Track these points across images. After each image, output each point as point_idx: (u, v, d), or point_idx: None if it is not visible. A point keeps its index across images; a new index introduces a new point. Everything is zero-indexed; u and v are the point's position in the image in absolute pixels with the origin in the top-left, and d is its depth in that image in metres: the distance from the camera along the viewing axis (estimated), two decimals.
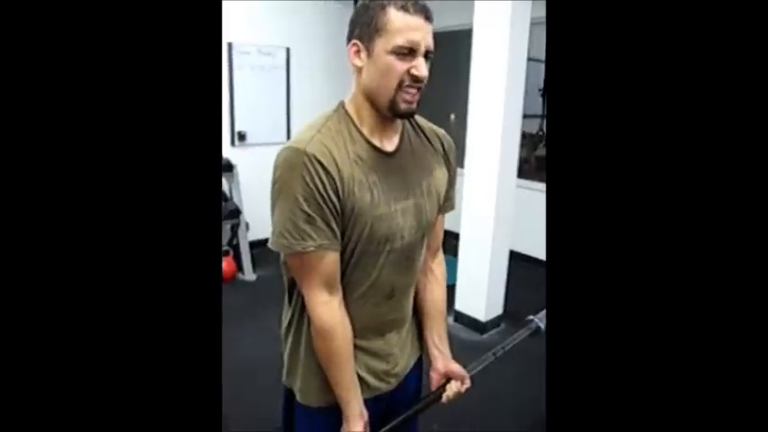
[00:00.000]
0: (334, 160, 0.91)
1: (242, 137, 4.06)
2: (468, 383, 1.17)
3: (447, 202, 1.12)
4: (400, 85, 0.91)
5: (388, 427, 1.03)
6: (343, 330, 0.98)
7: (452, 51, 4.15)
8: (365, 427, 1.01)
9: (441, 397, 1.14)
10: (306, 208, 0.89)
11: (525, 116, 3.02)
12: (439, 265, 1.20)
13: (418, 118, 1.09)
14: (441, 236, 1.19)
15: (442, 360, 1.18)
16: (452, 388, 1.14)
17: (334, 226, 0.93)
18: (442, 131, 1.13)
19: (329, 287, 0.95)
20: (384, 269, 1.00)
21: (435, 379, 1.17)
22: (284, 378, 1.12)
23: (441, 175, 1.08)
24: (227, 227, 3.80)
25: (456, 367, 1.16)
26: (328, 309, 0.96)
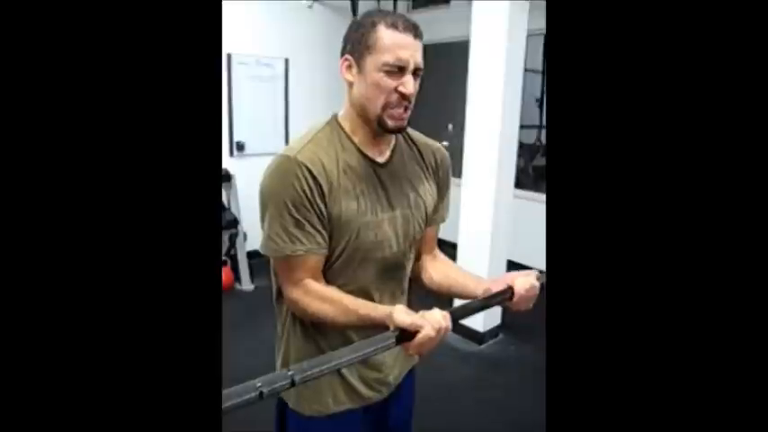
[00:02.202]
0: (324, 167, 0.94)
1: (240, 147, 4.07)
2: (534, 272, 1.04)
3: (436, 215, 1.13)
4: (388, 103, 0.93)
5: (454, 310, 0.89)
6: (331, 287, 0.98)
7: (450, 62, 4.18)
8: (406, 314, 0.85)
9: (511, 297, 1.00)
10: (295, 213, 0.92)
11: (522, 126, 3.04)
12: (436, 254, 1.20)
13: (413, 132, 1.11)
14: (434, 242, 1.20)
15: (497, 281, 1.05)
16: (521, 280, 1.02)
17: (323, 231, 0.95)
18: (437, 146, 1.14)
19: (313, 279, 0.97)
20: (370, 276, 1.02)
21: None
22: None
23: (429, 188, 1.09)
24: (225, 237, 3.80)
25: (511, 273, 1.06)
26: (314, 282, 0.96)
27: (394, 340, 0.81)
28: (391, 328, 0.84)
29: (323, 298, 0.94)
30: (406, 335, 0.82)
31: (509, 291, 1.01)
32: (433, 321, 0.83)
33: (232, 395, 0.64)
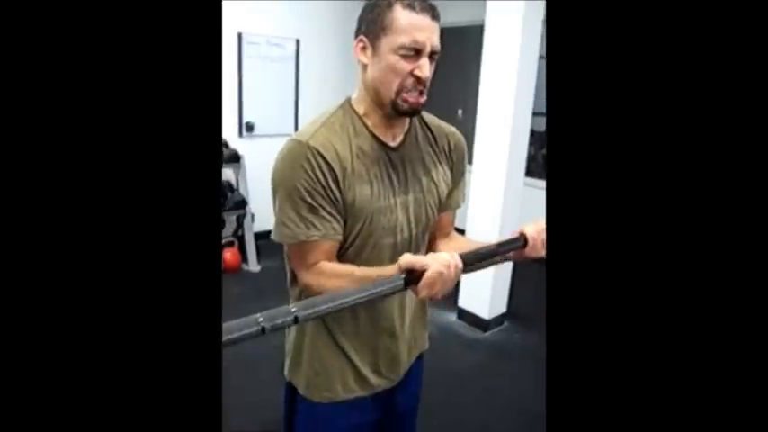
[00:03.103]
0: (337, 153, 0.92)
1: (250, 128, 4.06)
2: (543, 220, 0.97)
3: (449, 200, 1.11)
4: (402, 86, 0.91)
5: (464, 254, 0.86)
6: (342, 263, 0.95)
7: (462, 46, 4.13)
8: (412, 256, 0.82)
9: (525, 244, 0.95)
10: (308, 199, 0.90)
11: (535, 114, 2.99)
12: (451, 237, 1.18)
13: (428, 115, 1.09)
14: (450, 228, 1.17)
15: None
16: (531, 226, 0.97)
17: (338, 216, 0.93)
18: (451, 129, 1.12)
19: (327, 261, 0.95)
20: (383, 262, 1.00)
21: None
22: (286, 372, 1.12)
23: (442, 172, 1.08)
24: (232, 218, 3.81)
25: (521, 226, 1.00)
26: (326, 262, 0.94)
27: (402, 282, 0.79)
28: (398, 272, 0.81)
29: (336, 274, 0.92)
30: (414, 277, 0.79)
31: (521, 237, 0.96)
32: (440, 259, 0.80)
33: (233, 329, 0.63)
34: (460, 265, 0.82)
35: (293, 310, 0.68)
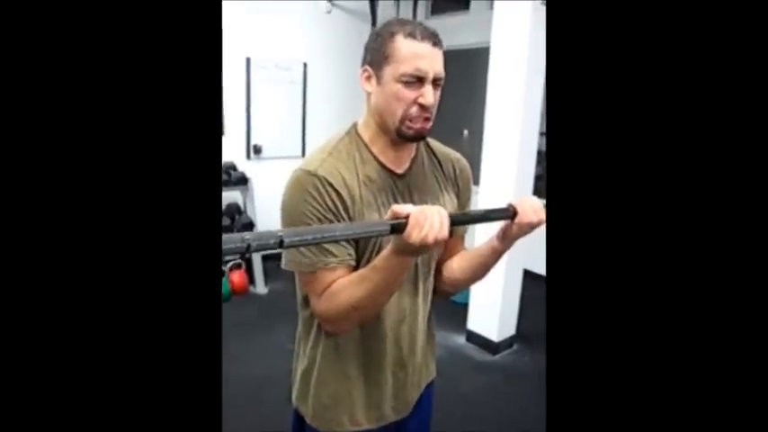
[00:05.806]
0: (344, 181, 0.92)
1: (258, 150, 4.09)
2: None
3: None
4: (407, 114, 0.91)
5: (452, 214, 0.85)
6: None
7: (467, 68, 4.15)
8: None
9: (513, 216, 0.98)
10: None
11: (541, 134, 3.00)
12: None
13: (433, 142, 1.09)
14: (458, 252, 1.16)
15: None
16: (516, 200, 0.99)
17: (351, 241, 0.93)
18: (456, 156, 1.12)
19: None
20: None
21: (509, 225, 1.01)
22: (294, 399, 1.10)
23: (448, 199, 1.07)
24: None
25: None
26: (333, 285, 0.93)
27: (388, 227, 0.79)
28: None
29: (344, 287, 0.91)
30: (400, 224, 0.80)
31: (510, 207, 0.98)
32: (421, 207, 0.80)
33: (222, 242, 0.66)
34: (444, 212, 0.81)
35: (279, 234, 0.71)
